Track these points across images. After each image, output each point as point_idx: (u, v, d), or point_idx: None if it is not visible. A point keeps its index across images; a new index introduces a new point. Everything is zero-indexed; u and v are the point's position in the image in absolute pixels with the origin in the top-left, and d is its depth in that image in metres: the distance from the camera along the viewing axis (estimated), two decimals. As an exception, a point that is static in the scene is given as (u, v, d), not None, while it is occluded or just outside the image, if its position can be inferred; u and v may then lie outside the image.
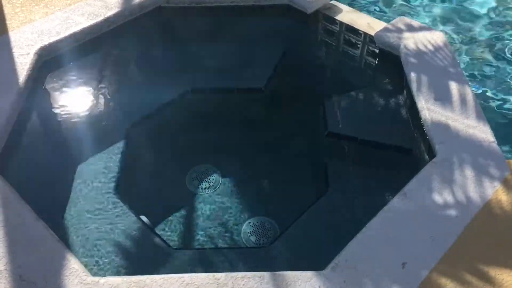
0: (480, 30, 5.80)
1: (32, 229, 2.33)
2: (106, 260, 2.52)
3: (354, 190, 2.98)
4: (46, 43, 3.53)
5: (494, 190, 2.55)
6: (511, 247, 2.33)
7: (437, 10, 6.19)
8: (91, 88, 3.62)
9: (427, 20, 5.97)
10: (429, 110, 3.02)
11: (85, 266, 2.27)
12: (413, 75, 3.31)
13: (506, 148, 4.24)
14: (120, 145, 3.18)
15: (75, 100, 3.53)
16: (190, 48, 4.13)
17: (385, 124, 3.35)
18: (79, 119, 3.37)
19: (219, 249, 2.99)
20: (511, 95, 4.91)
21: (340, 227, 2.77)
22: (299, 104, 3.92)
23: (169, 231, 3.13)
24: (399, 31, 3.77)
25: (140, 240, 2.66)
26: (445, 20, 6.00)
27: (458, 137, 2.84)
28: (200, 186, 3.43)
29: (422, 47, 3.57)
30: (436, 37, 3.70)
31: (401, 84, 3.52)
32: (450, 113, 3.00)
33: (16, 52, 3.41)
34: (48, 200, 2.76)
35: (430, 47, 3.59)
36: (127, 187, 3.02)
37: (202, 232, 3.14)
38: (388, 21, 4.13)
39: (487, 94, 4.93)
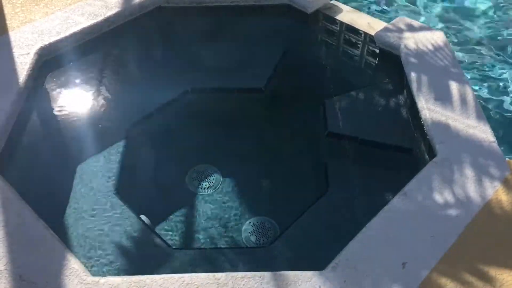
0: (479, 29, 5.80)
1: (32, 229, 2.33)
2: (106, 260, 2.52)
3: (354, 190, 2.98)
4: (46, 43, 3.53)
5: (495, 190, 2.55)
6: (511, 247, 2.32)
7: (438, 9, 6.19)
8: (91, 88, 3.62)
9: (425, 19, 5.98)
10: (429, 110, 3.02)
11: (85, 266, 2.27)
12: (413, 75, 3.30)
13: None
14: (120, 145, 3.18)
15: (75, 100, 3.53)
16: (190, 48, 4.13)
17: (385, 124, 3.35)
18: (79, 119, 3.37)
19: (219, 249, 2.99)
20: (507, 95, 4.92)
21: (340, 227, 2.77)
22: (299, 104, 3.91)
23: (169, 231, 3.12)
24: (400, 31, 3.77)
25: (140, 240, 2.66)
26: (444, 18, 6.00)
27: (458, 137, 2.84)
28: (200, 186, 3.43)
29: (422, 47, 3.57)
30: (436, 37, 3.70)
31: (401, 84, 3.52)
32: (450, 113, 3.00)
33: (16, 52, 3.41)
34: (48, 200, 2.76)
35: (431, 47, 3.58)
36: (127, 187, 3.02)
37: (202, 232, 3.14)
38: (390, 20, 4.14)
39: (486, 93, 4.94)
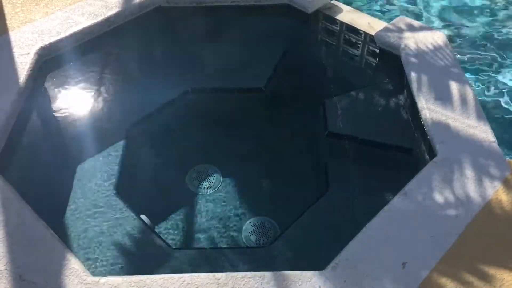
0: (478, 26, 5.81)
1: (32, 229, 2.33)
2: (106, 260, 2.52)
3: (354, 190, 2.98)
4: (47, 42, 3.53)
5: (495, 190, 2.55)
6: (511, 247, 2.33)
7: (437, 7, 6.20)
8: (91, 88, 3.62)
9: (425, 16, 5.97)
10: (429, 109, 3.02)
11: (85, 266, 2.27)
12: (413, 75, 3.30)
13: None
14: (120, 144, 3.18)
15: (75, 100, 3.53)
16: (190, 48, 4.13)
17: (385, 124, 3.35)
18: (79, 119, 3.37)
19: (220, 249, 2.99)
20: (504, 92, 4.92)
21: (340, 227, 2.77)
22: (299, 104, 3.91)
23: (169, 230, 3.12)
24: (400, 31, 3.77)
25: (141, 240, 2.66)
26: (444, 16, 6.01)
27: (458, 137, 2.84)
28: (200, 186, 3.43)
29: (422, 47, 3.57)
30: (436, 37, 3.69)
31: (402, 83, 3.52)
32: (450, 113, 3.00)
33: (17, 52, 3.41)
34: (48, 200, 2.76)
35: (431, 47, 3.58)
36: (127, 187, 3.02)
37: (203, 232, 3.14)
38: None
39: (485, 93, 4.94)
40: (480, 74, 5.17)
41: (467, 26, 5.85)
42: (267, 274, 2.15)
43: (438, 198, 2.49)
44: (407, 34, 3.72)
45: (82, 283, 2.11)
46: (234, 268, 2.56)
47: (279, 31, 4.33)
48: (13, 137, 2.95)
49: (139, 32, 4.15)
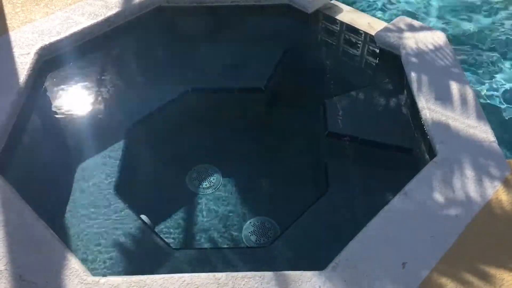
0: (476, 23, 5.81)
1: (32, 229, 2.33)
2: (106, 260, 2.52)
3: (354, 190, 2.98)
4: (47, 42, 3.53)
5: (495, 190, 2.55)
6: (511, 247, 2.33)
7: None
8: (91, 88, 3.62)
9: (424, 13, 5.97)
10: (429, 109, 3.02)
11: (85, 266, 2.27)
12: (413, 75, 3.30)
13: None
14: (120, 144, 3.18)
15: (76, 100, 3.53)
16: (190, 47, 4.13)
17: (385, 124, 3.35)
18: (79, 119, 3.37)
19: (220, 249, 2.99)
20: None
21: (340, 227, 2.77)
22: (299, 104, 3.92)
23: (169, 230, 3.13)
24: (400, 30, 3.77)
25: (141, 239, 2.66)
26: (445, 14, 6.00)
27: (458, 137, 2.84)
28: (200, 186, 3.43)
29: (422, 47, 3.57)
30: (436, 37, 3.69)
31: (402, 83, 3.52)
32: (450, 113, 3.00)
33: (17, 51, 3.41)
34: (48, 200, 2.76)
35: (431, 46, 3.58)
36: (128, 187, 3.02)
37: (203, 232, 3.14)
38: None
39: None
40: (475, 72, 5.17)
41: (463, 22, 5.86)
42: (267, 274, 2.15)
43: (438, 198, 2.49)
44: (407, 34, 3.71)
45: (82, 283, 2.11)
46: (234, 268, 2.56)
47: (279, 31, 4.33)
48: (13, 137, 2.95)
49: (139, 32, 4.15)
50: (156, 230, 2.98)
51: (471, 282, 2.16)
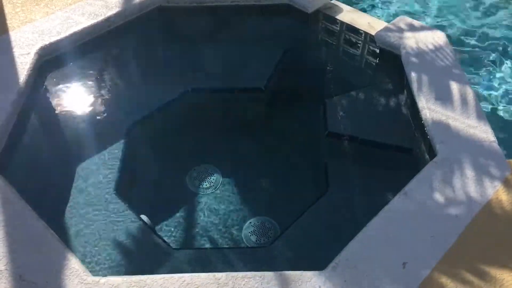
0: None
1: (32, 229, 2.33)
2: (106, 260, 2.52)
3: (354, 190, 2.98)
4: (47, 42, 3.53)
5: (495, 190, 2.55)
6: (511, 247, 2.33)
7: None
8: (91, 88, 3.62)
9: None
10: (429, 109, 3.02)
11: (86, 266, 2.27)
12: (413, 75, 3.30)
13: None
14: (120, 144, 3.17)
15: (76, 99, 3.53)
16: (190, 47, 4.13)
17: (385, 124, 3.35)
18: (79, 119, 3.37)
19: (220, 249, 2.99)
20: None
21: (340, 227, 2.77)
22: (299, 104, 3.92)
23: (169, 230, 3.13)
24: (400, 30, 3.76)
25: (141, 239, 2.66)
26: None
27: (458, 137, 2.84)
28: (200, 186, 3.43)
29: (423, 47, 3.57)
30: (437, 36, 3.69)
31: (402, 83, 3.52)
32: (450, 113, 3.00)
33: (17, 51, 3.41)
34: (48, 200, 2.76)
35: (431, 46, 3.58)
36: (128, 187, 3.02)
37: (203, 232, 3.14)
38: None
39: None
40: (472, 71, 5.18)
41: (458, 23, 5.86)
42: (267, 274, 2.15)
43: (438, 198, 2.49)
44: (407, 34, 3.71)
45: (82, 283, 2.11)
46: (234, 268, 2.56)
47: (279, 31, 4.33)
48: (14, 137, 2.95)
49: (139, 32, 4.15)
50: (156, 230, 2.98)
51: (471, 282, 2.16)
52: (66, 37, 3.63)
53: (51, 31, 3.64)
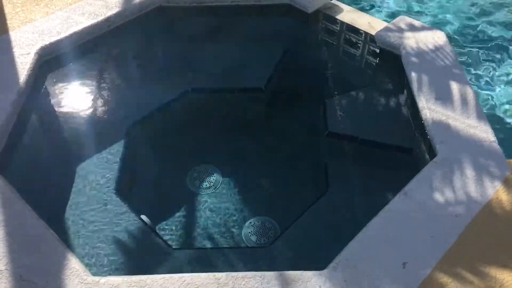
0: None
1: (32, 229, 2.33)
2: (106, 260, 2.52)
3: (354, 190, 2.98)
4: (47, 42, 3.53)
5: (495, 190, 2.55)
6: (511, 247, 2.33)
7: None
8: (91, 88, 3.62)
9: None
10: (429, 109, 3.02)
11: (86, 265, 2.27)
12: (413, 75, 3.30)
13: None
14: (120, 144, 3.17)
15: (76, 99, 3.53)
16: (191, 47, 4.13)
17: (385, 124, 3.35)
18: (79, 119, 3.37)
19: (220, 249, 2.99)
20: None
21: (340, 227, 2.77)
22: (299, 104, 3.91)
23: (169, 230, 3.13)
24: (400, 30, 3.76)
25: (141, 239, 2.66)
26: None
27: (458, 137, 2.84)
28: (201, 186, 3.43)
29: (423, 47, 3.57)
30: (437, 36, 3.69)
31: (402, 83, 3.52)
32: (450, 113, 3.00)
33: (17, 51, 3.41)
34: (48, 200, 2.76)
35: (431, 46, 3.58)
36: (128, 187, 3.02)
37: (203, 232, 3.14)
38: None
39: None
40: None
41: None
42: (268, 274, 2.15)
43: (438, 198, 2.49)
44: (407, 34, 3.71)
45: (82, 283, 2.11)
46: (235, 268, 2.56)
47: (279, 30, 4.33)
48: (14, 137, 2.95)
49: (139, 32, 4.15)
50: (156, 230, 2.98)
51: (471, 282, 2.16)
52: (66, 37, 3.63)
53: (51, 31, 3.64)
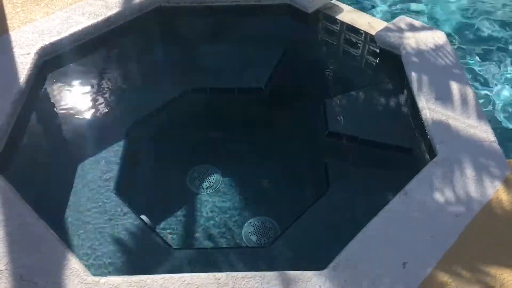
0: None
1: (32, 229, 2.33)
2: (106, 260, 2.53)
3: (354, 190, 2.98)
4: (47, 42, 3.53)
5: (495, 190, 2.55)
6: (512, 247, 2.33)
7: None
8: (91, 88, 3.62)
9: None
10: (429, 109, 3.02)
11: (86, 265, 2.28)
12: (414, 75, 3.30)
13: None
14: (120, 144, 3.18)
15: (76, 99, 3.53)
16: (191, 47, 4.13)
17: (385, 124, 3.35)
18: (79, 119, 3.37)
19: (220, 249, 2.99)
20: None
21: (340, 227, 2.77)
22: (299, 104, 3.91)
23: (169, 230, 3.13)
24: (400, 30, 3.76)
25: (141, 239, 2.66)
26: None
27: (458, 137, 2.84)
28: (201, 186, 3.43)
29: (423, 47, 3.57)
30: (437, 36, 3.69)
31: (402, 83, 3.52)
32: (451, 113, 3.00)
33: (17, 51, 3.41)
34: (48, 200, 2.76)
35: (431, 46, 3.58)
36: (128, 187, 3.02)
37: (203, 232, 3.14)
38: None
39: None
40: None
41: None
42: (268, 274, 2.15)
43: (438, 198, 2.49)
44: (407, 34, 3.71)
45: (82, 283, 2.11)
46: (235, 268, 2.56)
47: (279, 30, 4.33)
48: (14, 137, 2.95)
49: (139, 32, 4.15)
50: (156, 230, 2.98)
51: (471, 282, 2.16)
52: (66, 37, 3.63)
53: (51, 31, 3.64)
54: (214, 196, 3.37)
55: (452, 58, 3.47)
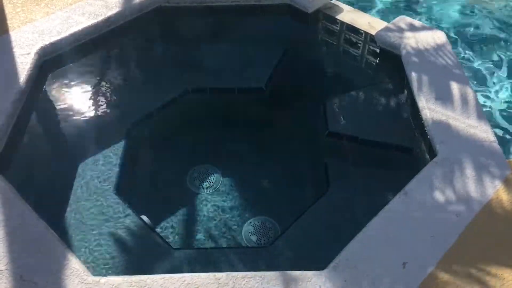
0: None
1: (32, 229, 2.33)
2: (106, 260, 2.53)
3: (354, 190, 2.98)
4: (47, 42, 3.53)
5: (495, 190, 2.55)
6: (512, 247, 2.33)
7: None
8: (91, 88, 3.62)
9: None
10: (430, 109, 3.02)
11: (86, 265, 2.28)
12: (414, 75, 3.30)
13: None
14: (120, 144, 3.18)
15: (76, 99, 3.53)
16: (191, 47, 4.13)
17: (385, 124, 3.35)
18: (79, 119, 3.37)
19: (220, 249, 2.99)
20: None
21: (340, 227, 2.77)
22: (299, 104, 3.91)
23: (170, 230, 3.13)
24: (400, 30, 3.76)
25: (141, 239, 2.67)
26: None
27: (459, 137, 2.84)
28: (201, 186, 3.43)
29: (423, 47, 3.57)
30: (437, 36, 3.69)
31: (402, 83, 3.52)
32: (451, 113, 3.00)
33: (17, 51, 3.41)
34: (48, 200, 2.76)
35: (431, 46, 3.58)
36: (128, 187, 3.02)
37: (203, 232, 3.14)
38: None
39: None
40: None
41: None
42: (268, 274, 2.15)
43: (438, 198, 2.49)
44: (407, 34, 3.71)
45: (82, 283, 2.11)
46: (235, 268, 2.56)
47: (279, 30, 4.33)
48: (14, 137, 2.95)
49: (139, 32, 4.15)
50: (156, 229, 2.98)
51: (472, 282, 2.16)
52: (66, 37, 3.63)
53: (51, 31, 3.64)
54: (214, 196, 3.37)
55: (452, 58, 3.47)
